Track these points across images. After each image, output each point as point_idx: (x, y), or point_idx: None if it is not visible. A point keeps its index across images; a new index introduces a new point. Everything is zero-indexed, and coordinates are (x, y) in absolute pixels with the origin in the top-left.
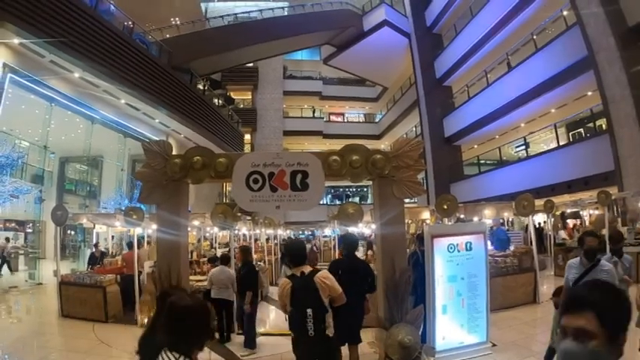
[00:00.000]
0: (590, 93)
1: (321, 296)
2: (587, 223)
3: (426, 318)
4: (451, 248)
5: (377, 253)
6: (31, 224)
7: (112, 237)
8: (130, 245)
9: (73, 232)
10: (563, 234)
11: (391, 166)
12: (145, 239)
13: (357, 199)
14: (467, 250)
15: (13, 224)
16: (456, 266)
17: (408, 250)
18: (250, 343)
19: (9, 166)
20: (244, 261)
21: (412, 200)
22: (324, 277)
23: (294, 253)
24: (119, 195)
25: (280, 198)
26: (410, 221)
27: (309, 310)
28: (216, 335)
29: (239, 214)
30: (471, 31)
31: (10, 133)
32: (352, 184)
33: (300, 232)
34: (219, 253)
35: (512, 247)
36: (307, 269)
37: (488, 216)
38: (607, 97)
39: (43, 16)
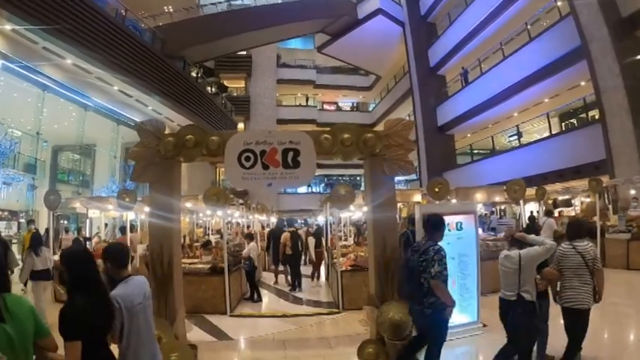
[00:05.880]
0: (583, 83)
1: (301, 238)
2: (578, 210)
3: None
4: None
5: (368, 233)
6: (23, 213)
7: (106, 225)
8: (123, 230)
9: (66, 222)
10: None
11: (382, 145)
12: (138, 224)
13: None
14: (457, 229)
15: (5, 214)
16: (446, 245)
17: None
18: None
19: (0, 156)
20: None
21: (406, 188)
22: (301, 232)
23: (288, 224)
24: (112, 183)
25: (272, 175)
26: (402, 205)
27: (298, 243)
28: None
29: (232, 196)
30: (465, 20)
31: (2, 122)
32: (345, 172)
33: (294, 221)
34: (212, 238)
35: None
36: (294, 229)
37: (479, 200)
38: (600, 87)
39: (36, 1)
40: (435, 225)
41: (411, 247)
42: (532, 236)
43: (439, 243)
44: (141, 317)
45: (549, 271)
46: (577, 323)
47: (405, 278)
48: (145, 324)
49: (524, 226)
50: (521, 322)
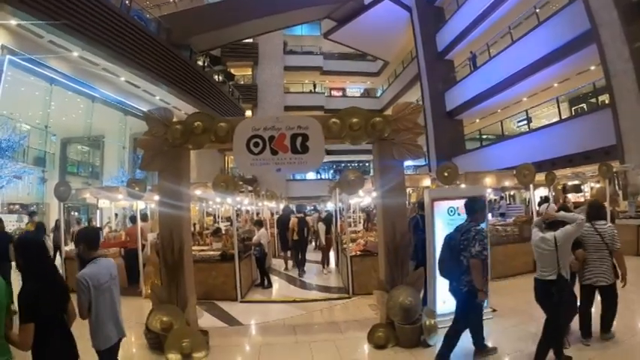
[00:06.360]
0: (592, 67)
1: (308, 224)
2: (588, 196)
3: (427, 281)
4: (451, 211)
5: (378, 218)
6: (34, 206)
7: (116, 215)
8: (134, 220)
9: (76, 214)
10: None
11: (391, 129)
12: (149, 213)
13: None
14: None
15: (17, 207)
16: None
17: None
18: None
19: (10, 150)
20: None
21: (415, 173)
22: (310, 218)
23: (298, 211)
24: (121, 173)
25: (281, 161)
26: (411, 190)
27: (304, 229)
28: None
29: (241, 183)
30: (473, 3)
31: (11, 116)
32: (354, 158)
33: (303, 207)
34: (222, 226)
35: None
36: (302, 215)
37: (489, 185)
38: (609, 72)
39: None
40: (476, 207)
41: (455, 228)
42: (562, 213)
43: (482, 224)
44: (107, 295)
45: (582, 253)
46: (604, 299)
47: (446, 257)
48: (111, 301)
49: (534, 212)
50: (562, 301)
